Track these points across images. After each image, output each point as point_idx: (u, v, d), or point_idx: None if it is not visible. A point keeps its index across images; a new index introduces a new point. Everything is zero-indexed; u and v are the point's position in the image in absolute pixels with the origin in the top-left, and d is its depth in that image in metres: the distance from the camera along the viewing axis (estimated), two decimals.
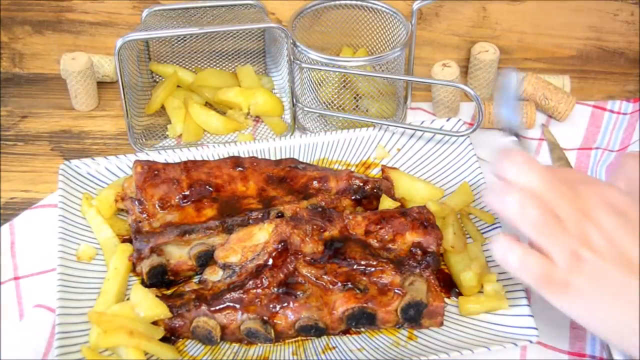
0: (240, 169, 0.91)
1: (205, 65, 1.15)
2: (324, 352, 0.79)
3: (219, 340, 0.79)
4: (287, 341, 0.81)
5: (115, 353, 0.77)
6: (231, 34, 1.12)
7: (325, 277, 0.80)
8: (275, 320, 0.79)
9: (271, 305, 0.79)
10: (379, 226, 0.84)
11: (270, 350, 0.80)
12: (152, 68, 1.13)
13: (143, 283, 0.84)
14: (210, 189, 0.89)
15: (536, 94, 1.06)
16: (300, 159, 0.97)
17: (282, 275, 0.80)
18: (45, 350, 0.80)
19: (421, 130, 0.98)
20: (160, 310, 0.79)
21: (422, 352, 0.78)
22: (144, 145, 1.03)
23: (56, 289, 0.80)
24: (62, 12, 1.13)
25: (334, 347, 0.80)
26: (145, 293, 0.80)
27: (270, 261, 0.81)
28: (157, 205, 0.87)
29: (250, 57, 1.15)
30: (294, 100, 1.04)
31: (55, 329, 0.77)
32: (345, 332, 0.82)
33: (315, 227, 0.83)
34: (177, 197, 0.88)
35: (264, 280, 0.80)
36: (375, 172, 0.99)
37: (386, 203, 0.90)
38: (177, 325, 0.80)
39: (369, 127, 1.00)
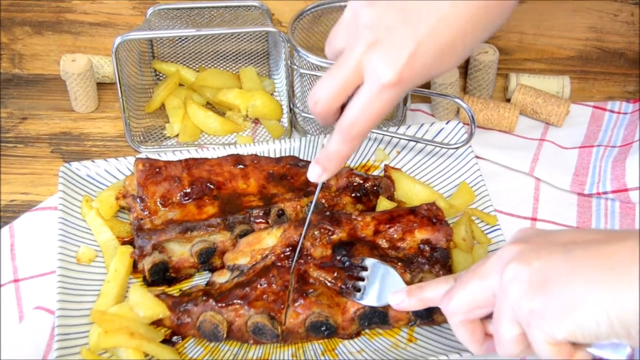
0: (241, 166, 0.92)
1: (210, 65, 1.15)
2: (323, 354, 0.79)
3: (225, 336, 0.79)
4: (287, 344, 0.81)
5: (114, 355, 0.77)
6: (234, 36, 1.12)
7: (336, 280, 0.80)
8: (282, 318, 0.79)
9: (279, 301, 0.79)
10: (387, 225, 0.84)
11: (270, 352, 0.80)
12: (155, 66, 1.13)
13: (145, 280, 0.85)
14: (212, 186, 0.89)
15: (526, 108, 1.06)
16: None
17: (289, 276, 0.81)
18: (45, 352, 0.80)
19: (414, 141, 0.98)
20: (159, 309, 0.79)
21: (421, 354, 0.78)
22: (141, 144, 1.04)
23: (56, 291, 0.81)
24: (61, 12, 1.13)
25: (333, 349, 0.80)
26: (144, 292, 0.80)
27: (279, 263, 0.81)
28: (158, 203, 0.88)
29: (255, 58, 1.15)
30: (291, 105, 1.04)
31: (54, 330, 0.78)
32: (357, 334, 0.82)
33: (323, 230, 0.83)
34: (179, 195, 0.88)
35: (271, 279, 0.80)
36: (375, 174, 0.98)
37: (383, 204, 0.91)
38: (183, 321, 0.80)
39: None
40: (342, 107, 0.70)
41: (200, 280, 0.88)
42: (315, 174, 0.73)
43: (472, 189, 0.93)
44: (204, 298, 0.80)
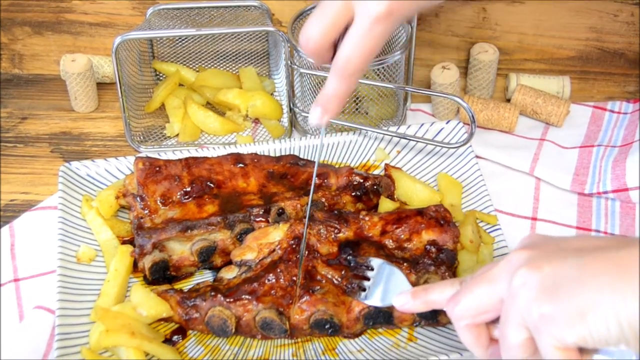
0: (241, 165, 0.92)
1: (210, 65, 1.15)
2: (324, 354, 0.79)
3: (233, 331, 0.79)
4: (292, 340, 0.81)
5: (115, 354, 0.77)
6: (234, 36, 1.12)
7: (342, 279, 0.81)
8: (290, 313, 0.79)
9: (287, 296, 0.79)
10: (395, 226, 0.84)
11: (270, 352, 0.80)
12: (155, 66, 1.13)
13: (145, 279, 0.85)
14: (212, 185, 0.89)
15: (526, 109, 1.06)
16: None
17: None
18: (45, 352, 0.80)
19: (414, 141, 0.98)
20: (162, 308, 0.79)
21: (422, 353, 0.78)
22: (141, 144, 1.04)
23: (56, 291, 0.81)
24: (61, 13, 1.13)
25: (333, 348, 0.80)
26: (146, 292, 0.80)
27: (286, 257, 0.81)
28: (158, 202, 0.88)
29: (255, 58, 1.15)
30: (291, 105, 1.04)
31: (55, 330, 0.78)
32: (359, 334, 0.82)
33: (329, 228, 0.83)
34: (179, 193, 0.88)
35: (279, 273, 0.80)
36: (375, 173, 0.98)
37: (385, 205, 0.90)
38: (192, 316, 0.80)
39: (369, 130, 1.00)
40: (336, 47, 0.69)
41: (200, 279, 0.88)
42: (317, 116, 0.72)
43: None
44: (212, 293, 0.80)
